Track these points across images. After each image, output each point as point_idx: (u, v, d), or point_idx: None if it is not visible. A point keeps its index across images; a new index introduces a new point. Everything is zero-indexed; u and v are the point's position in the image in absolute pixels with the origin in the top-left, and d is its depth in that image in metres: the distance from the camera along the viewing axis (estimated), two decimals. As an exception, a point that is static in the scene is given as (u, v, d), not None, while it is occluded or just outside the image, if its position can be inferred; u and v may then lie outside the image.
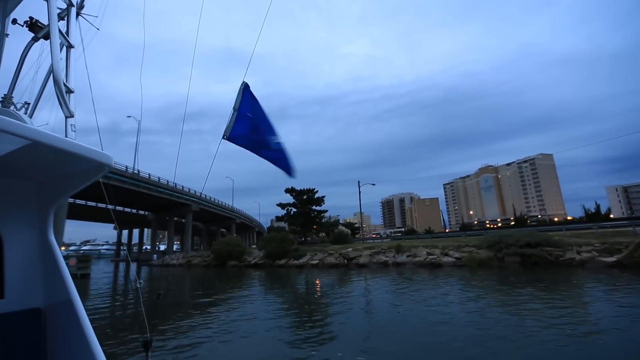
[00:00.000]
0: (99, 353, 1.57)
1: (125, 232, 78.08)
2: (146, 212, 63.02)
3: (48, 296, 1.88)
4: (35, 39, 2.77)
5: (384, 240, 42.67)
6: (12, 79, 2.62)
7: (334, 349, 6.00)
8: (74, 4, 2.94)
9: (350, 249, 27.16)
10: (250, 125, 3.03)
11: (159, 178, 45.93)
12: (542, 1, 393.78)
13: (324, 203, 40.14)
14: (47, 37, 2.60)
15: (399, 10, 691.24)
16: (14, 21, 2.62)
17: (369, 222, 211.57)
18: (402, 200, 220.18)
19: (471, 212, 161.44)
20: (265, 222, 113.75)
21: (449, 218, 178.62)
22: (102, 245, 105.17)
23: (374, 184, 44.41)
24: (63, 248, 46.96)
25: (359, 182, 41.58)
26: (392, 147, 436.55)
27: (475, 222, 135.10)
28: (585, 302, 8.95)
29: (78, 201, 47.21)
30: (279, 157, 3.17)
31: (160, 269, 36.17)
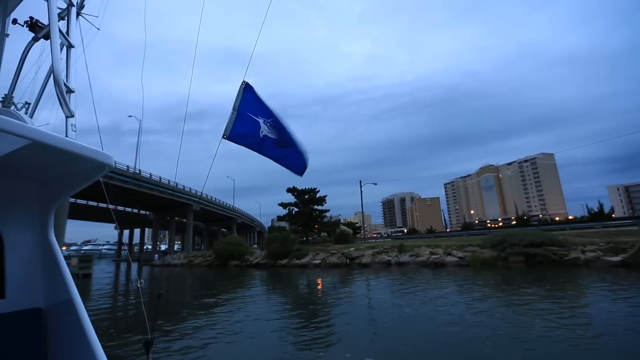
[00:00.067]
0: (100, 353, 1.55)
1: (126, 232, 78.10)
2: (147, 212, 63.03)
3: (49, 296, 1.88)
4: (35, 39, 2.76)
5: (385, 240, 42.55)
6: (13, 79, 2.61)
7: (341, 350, 5.90)
8: (74, 3, 2.93)
9: (352, 249, 27.07)
10: (251, 124, 3.00)
11: (160, 178, 45.92)
12: (542, 0, 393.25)
13: (325, 202, 40.11)
14: (47, 37, 2.59)
15: (400, 10, 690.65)
16: (14, 21, 2.62)
17: (370, 221, 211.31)
18: (402, 200, 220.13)
19: (472, 212, 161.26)
20: (266, 222, 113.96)
21: (449, 218, 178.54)
22: (103, 245, 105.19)
23: (375, 184, 44.32)
24: (64, 248, 46.89)
25: (360, 181, 41.49)
26: (392, 147, 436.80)
27: (476, 222, 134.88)
28: (594, 302, 8.83)
29: (79, 201, 47.19)
30: (285, 155, 3.11)
31: (161, 269, 36.10)
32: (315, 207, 40.31)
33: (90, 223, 72.06)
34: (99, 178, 1.89)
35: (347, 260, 24.83)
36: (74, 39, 2.77)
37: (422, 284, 13.55)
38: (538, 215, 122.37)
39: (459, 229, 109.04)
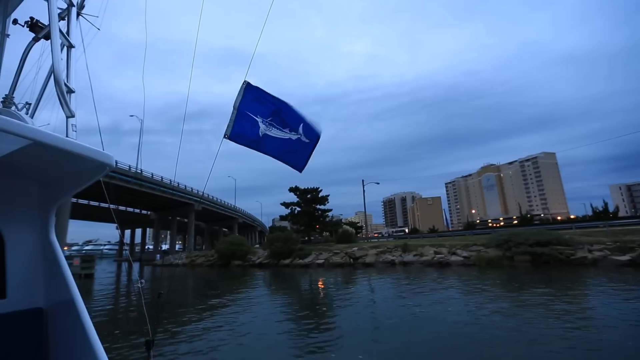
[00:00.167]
0: (101, 353, 1.55)
1: (127, 232, 78.04)
2: (149, 212, 62.94)
3: (50, 296, 1.88)
4: (36, 39, 2.75)
5: (388, 240, 42.41)
6: (13, 79, 2.61)
7: (353, 352, 5.75)
8: (75, 4, 2.93)
9: (355, 248, 26.92)
10: (251, 124, 3.01)
11: (161, 177, 45.83)
12: (542, 0, 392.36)
13: (328, 202, 39.95)
14: (47, 37, 2.58)
15: (400, 9, 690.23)
16: (15, 21, 2.62)
17: (371, 221, 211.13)
18: (403, 200, 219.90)
19: (473, 211, 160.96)
20: (267, 222, 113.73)
21: (450, 217, 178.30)
22: (105, 245, 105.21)
23: (378, 183, 44.19)
24: (66, 248, 46.84)
25: (362, 180, 41.36)
26: (393, 146, 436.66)
27: (478, 221, 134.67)
28: (610, 303, 8.63)
29: (81, 201, 47.11)
30: (287, 151, 3.08)
31: (163, 268, 35.99)
32: (318, 206, 40.16)
33: (92, 223, 72.11)
34: (100, 178, 1.88)
35: (351, 259, 24.68)
36: (74, 39, 2.76)
37: (430, 284, 13.40)
38: (540, 215, 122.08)
39: (460, 228, 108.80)
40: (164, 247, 77.23)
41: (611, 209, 34.20)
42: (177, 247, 67.56)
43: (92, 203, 49.86)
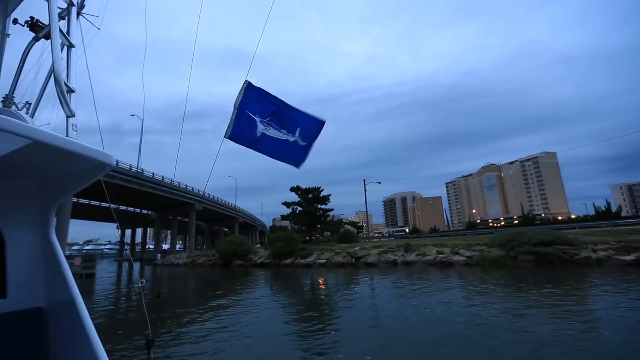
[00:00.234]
0: (101, 352, 1.54)
1: (128, 232, 77.99)
2: (149, 212, 62.87)
3: (50, 296, 1.88)
4: (36, 39, 2.76)
5: (389, 239, 42.31)
6: (14, 79, 2.62)
7: (362, 353, 5.66)
8: (75, 3, 2.93)
9: (357, 248, 26.83)
10: (249, 123, 3.03)
11: (162, 177, 45.76)
12: (542, 0, 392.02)
13: (329, 202, 39.85)
14: (48, 36, 2.59)
15: (400, 9, 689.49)
16: (15, 21, 2.62)
17: (371, 221, 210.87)
18: (404, 199, 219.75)
19: (474, 211, 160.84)
20: (267, 222, 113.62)
21: (451, 217, 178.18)
22: (105, 244, 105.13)
23: (379, 182, 44.08)
24: (67, 247, 46.74)
25: (364, 180, 41.26)
26: (393, 146, 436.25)
27: (478, 221, 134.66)
28: (618, 303, 8.52)
29: (81, 200, 47.05)
30: (285, 151, 3.09)
31: (164, 268, 35.92)
32: (319, 206, 40.06)
33: (92, 223, 72.09)
34: (100, 177, 1.88)
35: (353, 259, 24.59)
36: (74, 38, 2.76)
37: (434, 284, 13.31)
38: (540, 215, 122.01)
39: (460, 228, 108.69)
40: (165, 246, 77.17)
41: (613, 208, 34.09)
42: (177, 246, 67.47)
43: (93, 202, 49.79)
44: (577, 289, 10.70)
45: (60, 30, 2.52)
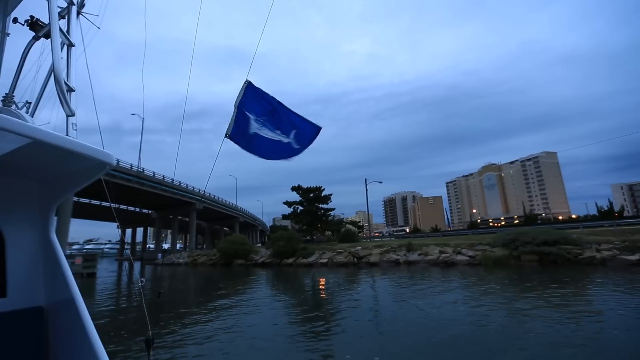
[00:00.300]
0: (101, 351, 1.54)
1: (129, 231, 77.93)
2: (150, 211, 62.79)
3: (50, 295, 1.88)
4: (36, 38, 2.75)
5: (391, 239, 42.20)
6: (13, 78, 2.62)
7: (371, 354, 5.56)
8: (75, 2, 2.92)
9: (359, 248, 26.75)
10: (243, 121, 3.04)
11: (163, 176, 45.69)
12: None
13: (330, 201, 39.74)
14: (48, 36, 2.59)
15: (400, 8, 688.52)
16: (15, 20, 2.62)
17: (371, 220, 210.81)
18: (404, 199, 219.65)
19: (474, 210, 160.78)
20: (267, 221, 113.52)
21: (451, 216, 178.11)
22: (105, 244, 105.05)
23: (381, 182, 43.95)
24: (68, 247, 46.65)
25: (365, 180, 41.11)
26: (393, 146, 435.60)
27: (479, 221, 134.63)
28: (628, 302, 8.44)
29: (82, 200, 46.97)
30: (276, 151, 3.07)
31: (165, 268, 35.85)
32: (320, 205, 39.96)
33: (93, 222, 71.89)
34: (100, 177, 1.88)
35: (355, 259, 24.51)
36: (74, 38, 2.75)
37: (438, 284, 13.22)
38: (541, 214, 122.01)
39: (461, 227, 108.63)
40: (165, 246, 77.12)
41: (619, 208, 33.96)
42: (177, 246, 67.43)
43: (94, 202, 49.71)
44: (584, 289, 10.60)
45: (60, 30, 2.52)
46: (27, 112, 2.57)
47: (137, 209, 62.19)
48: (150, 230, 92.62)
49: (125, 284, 21.11)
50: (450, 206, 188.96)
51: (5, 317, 1.69)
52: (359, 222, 76.39)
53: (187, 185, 51.27)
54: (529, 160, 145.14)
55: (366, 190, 40.84)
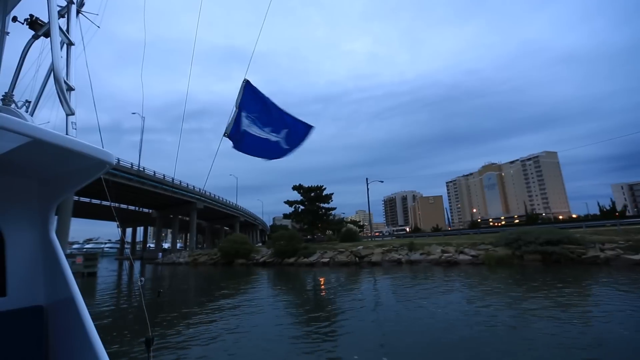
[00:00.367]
0: (101, 351, 1.54)
1: (129, 230, 77.83)
2: (150, 210, 62.70)
3: (50, 294, 1.89)
4: (35, 37, 2.75)
5: (391, 239, 42.10)
6: (13, 77, 2.62)
7: (379, 354, 5.46)
8: (74, 1, 2.91)
9: (361, 247, 26.67)
10: (238, 119, 3.05)
11: (164, 175, 45.61)
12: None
13: (332, 200, 39.64)
14: (47, 34, 2.60)
15: (401, 8, 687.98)
16: (14, 19, 2.61)
17: (372, 220, 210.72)
18: (404, 199, 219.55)
19: (474, 210, 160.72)
20: (267, 220, 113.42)
21: (451, 216, 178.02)
22: (105, 243, 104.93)
23: (382, 181, 43.89)
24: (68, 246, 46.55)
25: (367, 179, 41.02)
26: (393, 145, 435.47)
27: (479, 220, 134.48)
28: (638, 304, 8.34)
29: (82, 199, 46.88)
30: (264, 149, 3.06)
31: (165, 267, 35.74)
32: (322, 204, 39.84)
33: (93, 221, 71.82)
34: (100, 176, 1.88)
35: (356, 258, 24.42)
36: (74, 36, 2.74)
37: (442, 284, 13.12)
38: (541, 214, 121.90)
39: (461, 227, 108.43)
40: (165, 245, 77.02)
41: (623, 208, 33.87)
42: (178, 245, 67.34)
43: (94, 201, 49.66)
44: (590, 289, 10.50)
45: (60, 28, 2.51)
46: (26, 111, 2.58)
47: (138, 208, 62.10)
48: (150, 229, 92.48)
49: (125, 283, 21.03)
50: (450, 206, 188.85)
51: (5, 316, 1.69)
52: (359, 221, 76.31)
53: (187, 184, 51.19)
54: (529, 159, 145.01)
55: (367, 189, 40.77)
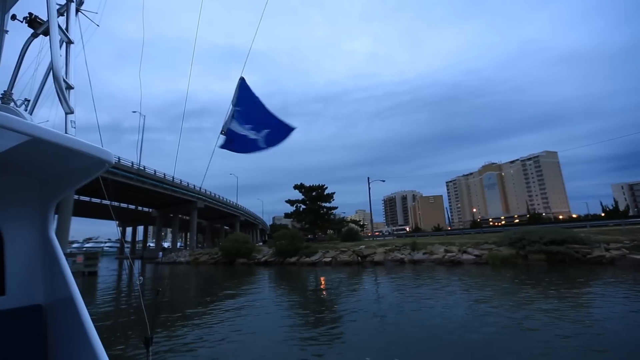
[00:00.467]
0: (100, 350, 1.53)
1: (129, 229, 77.66)
2: (150, 209, 62.54)
3: (49, 293, 1.89)
4: (34, 35, 2.75)
5: (393, 238, 41.96)
6: (12, 76, 2.60)
7: (388, 356, 5.31)
8: (74, 0, 2.91)
9: (363, 247, 26.53)
10: (234, 121, 3.06)
11: (164, 174, 45.45)
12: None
13: (333, 199, 39.50)
14: (46, 33, 2.58)
15: (401, 7, 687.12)
16: (14, 17, 2.60)
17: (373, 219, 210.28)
18: (404, 198, 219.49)
19: (474, 210, 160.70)
20: (267, 220, 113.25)
21: (451, 216, 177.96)
22: (105, 242, 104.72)
23: (383, 181, 43.76)
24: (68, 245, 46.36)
25: (368, 178, 40.86)
26: (393, 145, 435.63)
27: (479, 220, 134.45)
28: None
29: (82, 198, 46.69)
30: (240, 145, 3.04)
31: (165, 266, 35.58)
32: (323, 204, 39.69)
33: (93, 220, 71.71)
34: (99, 175, 1.87)
35: (359, 258, 24.28)
36: (73, 35, 2.74)
37: (447, 284, 12.97)
38: (541, 214, 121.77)
39: (461, 227, 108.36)
40: (166, 244, 76.87)
41: (626, 207, 33.74)
42: (178, 244, 67.18)
43: (94, 200, 49.48)
44: (600, 289, 10.34)
45: (59, 27, 2.50)
46: (25, 110, 2.56)
47: (138, 207, 61.92)
48: (150, 228, 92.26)
49: (125, 282, 20.88)
50: (450, 205, 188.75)
51: (4, 315, 1.69)
52: (360, 221, 76.16)
53: (187, 183, 51.05)
54: (529, 159, 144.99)
55: (369, 189, 40.64)
